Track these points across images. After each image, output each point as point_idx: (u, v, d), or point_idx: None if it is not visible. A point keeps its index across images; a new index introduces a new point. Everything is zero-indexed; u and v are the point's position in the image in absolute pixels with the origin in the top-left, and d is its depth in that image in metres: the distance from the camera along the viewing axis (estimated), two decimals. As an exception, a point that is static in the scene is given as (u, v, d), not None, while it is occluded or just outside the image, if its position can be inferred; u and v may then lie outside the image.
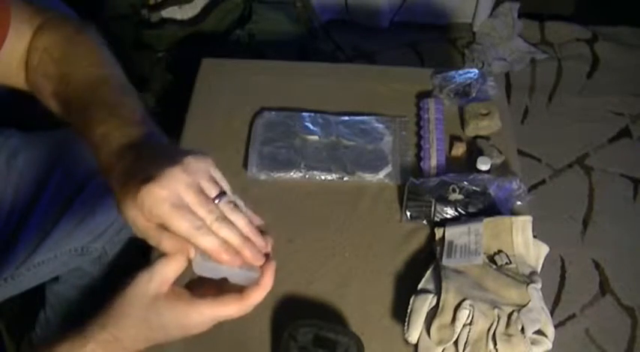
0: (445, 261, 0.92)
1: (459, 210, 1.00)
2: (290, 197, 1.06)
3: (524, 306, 0.84)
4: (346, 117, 1.16)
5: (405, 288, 0.93)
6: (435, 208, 1.00)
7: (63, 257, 1.04)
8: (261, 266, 0.62)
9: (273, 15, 1.85)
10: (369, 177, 1.08)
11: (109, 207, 1.05)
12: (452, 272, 0.89)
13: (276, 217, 1.00)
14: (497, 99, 1.19)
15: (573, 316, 1.60)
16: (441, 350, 0.84)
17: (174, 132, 1.05)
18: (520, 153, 1.57)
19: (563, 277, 1.67)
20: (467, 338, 0.82)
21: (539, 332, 0.85)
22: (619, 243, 1.74)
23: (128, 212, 0.59)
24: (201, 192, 0.59)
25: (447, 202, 1.01)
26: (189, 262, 0.61)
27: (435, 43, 2.23)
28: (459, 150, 1.11)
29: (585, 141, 1.96)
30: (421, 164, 1.09)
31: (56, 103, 0.73)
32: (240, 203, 0.63)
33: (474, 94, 1.18)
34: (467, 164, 1.09)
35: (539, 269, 0.93)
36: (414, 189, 1.03)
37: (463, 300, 0.84)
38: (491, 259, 0.92)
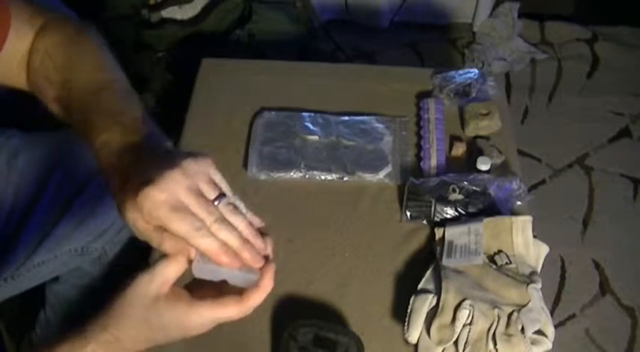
0: (445, 261, 0.92)
1: (459, 210, 1.00)
2: (290, 197, 1.06)
3: (524, 306, 0.84)
4: (346, 117, 1.16)
5: (405, 288, 0.93)
6: (435, 208, 1.00)
7: (63, 257, 1.04)
8: (261, 269, 0.62)
9: (273, 15, 1.85)
10: (369, 177, 1.08)
11: (109, 208, 1.04)
12: (452, 272, 0.89)
13: (276, 217, 1.00)
14: (497, 99, 1.19)
15: (573, 316, 1.60)
16: (441, 350, 0.84)
17: (174, 132, 1.05)
18: (520, 153, 1.57)
19: (563, 277, 1.67)
20: (467, 338, 0.82)
21: (539, 332, 0.85)
22: (619, 243, 1.74)
23: (128, 214, 0.59)
24: (200, 194, 0.59)
25: (447, 202, 1.01)
26: (190, 263, 0.61)
27: (435, 43, 2.23)
28: (459, 150, 1.11)
29: (585, 141, 1.96)
30: (421, 164, 1.09)
31: (58, 107, 0.74)
32: (240, 204, 0.63)
33: (474, 94, 1.18)
34: (467, 164, 1.09)
35: (539, 269, 0.93)
36: (414, 189, 1.03)
37: (463, 300, 0.84)
38: (491, 259, 0.92)
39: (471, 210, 1.00)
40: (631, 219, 1.79)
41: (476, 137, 1.13)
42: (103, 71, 0.75)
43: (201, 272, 0.61)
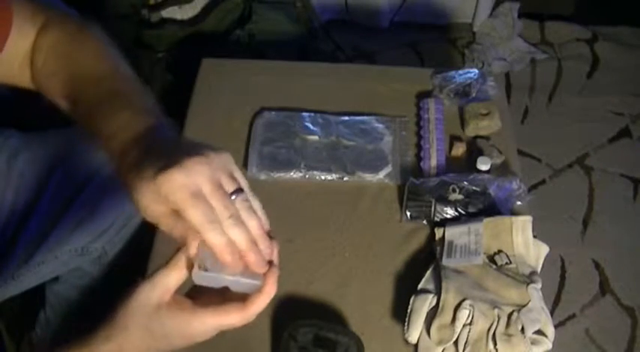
0: (445, 261, 0.92)
1: (459, 210, 1.00)
2: (290, 197, 1.06)
3: (524, 306, 0.84)
4: (346, 117, 1.16)
5: (405, 288, 0.93)
6: (435, 208, 1.00)
7: (63, 257, 1.04)
8: (264, 273, 0.61)
9: (273, 15, 1.85)
10: (369, 177, 1.08)
11: (109, 208, 1.05)
12: (452, 272, 0.89)
13: (276, 217, 0.99)
14: (497, 99, 1.19)
15: (573, 316, 1.60)
16: (441, 350, 0.84)
17: (174, 132, 1.05)
18: (520, 153, 1.57)
19: (563, 277, 1.67)
20: (467, 338, 0.82)
21: (539, 332, 0.85)
22: (619, 243, 1.74)
23: (142, 198, 0.58)
24: (220, 186, 0.58)
25: (447, 202, 1.01)
26: (190, 270, 0.61)
27: (435, 43, 2.23)
28: (459, 150, 1.11)
29: (585, 141, 1.96)
30: (421, 164, 1.09)
31: (65, 101, 0.74)
32: (256, 204, 0.62)
33: (474, 94, 1.18)
34: (467, 164, 1.09)
35: (539, 269, 0.93)
36: (414, 189, 1.03)
37: (463, 300, 0.84)
38: (491, 259, 0.92)
39: (471, 210, 1.00)
40: (631, 219, 1.79)
41: (476, 137, 1.13)
42: (108, 62, 0.75)
43: (202, 279, 0.60)
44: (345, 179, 1.08)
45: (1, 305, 1.09)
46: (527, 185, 1.22)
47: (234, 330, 0.62)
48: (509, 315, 0.83)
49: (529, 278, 0.89)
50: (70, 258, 1.06)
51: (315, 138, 1.13)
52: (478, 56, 2.14)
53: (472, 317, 0.83)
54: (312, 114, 1.16)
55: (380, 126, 1.15)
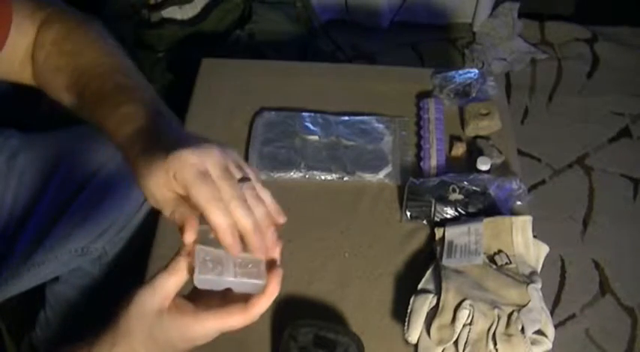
0: (445, 261, 0.92)
1: (459, 210, 1.00)
2: (290, 197, 1.06)
3: (524, 306, 0.84)
4: (346, 117, 1.16)
5: (405, 288, 0.93)
6: (435, 208, 1.00)
7: (63, 257, 1.04)
8: (268, 274, 0.61)
9: (273, 15, 1.85)
10: (369, 177, 1.08)
11: (110, 208, 1.05)
12: (452, 272, 0.89)
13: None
14: (497, 99, 1.19)
15: (573, 316, 1.60)
16: (441, 350, 0.84)
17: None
18: (520, 153, 1.57)
19: (563, 277, 1.67)
20: (467, 338, 0.82)
21: (539, 332, 0.85)
22: (619, 243, 1.74)
23: (151, 179, 0.59)
24: (227, 170, 0.59)
25: (447, 202, 1.01)
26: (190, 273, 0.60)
27: (435, 43, 2.23)
28: (459, 150, 1.11)
29: (585, 141, 1.96)
30: (421, 164, 1.09)
31: (69, 95, 0.74)
32: (266, 193, 0.62)
33: (474, 94, 1.18)
34: (467, 164, 1.09)
35: (539, 269, 0.93)
36: (414, 189, 1.03)
37: (463, 300, 0.84)
38: (491, 259, 0.92)
39: (471, 210, 1.00)
40: (631, 219, 1.79)
41: (476, 137, 1.13)
42: (112, 56, 0.76)
43: (204, 283, 0.59)
44: (345, 179, 1.08)
45: (1, 306, 1.08)
46: (527, 185, 1.22)
47: (234, 330, 0.61)
48: (509, 315, 0.83)
49: (529, 278, 0.89)
50: (70, 258, 1.06)
51: (315, 138, 1.13)
52: (478, 56, 2.14)
53: (472, 317, 0.83)
54: (312, 114, 1.16)
55: (380, 126, 1.15)
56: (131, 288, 0.60)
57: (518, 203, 1.04)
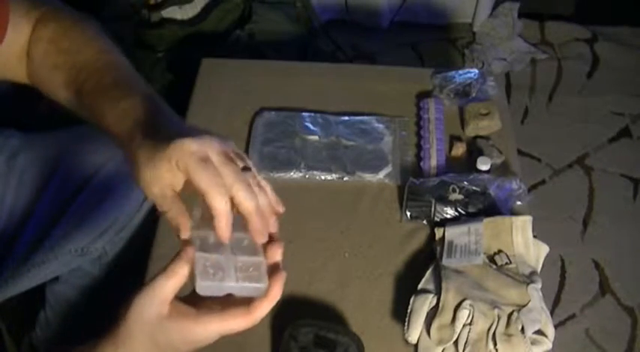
0: (445, 261, 0.92)
1: (459, 210, 1.00)
2: (290, 197, 1.06)
3: (524, 306, 0.84)
4: (346, 117, 1.16)
5: (405, 288, 0.93)
6: (435, 208, 1.00)
7: (63, 257, 1.04)
8: (271, 277, 0.61)
9: (273, 15, 1.85)
10: (369, 177, 1.08)
11: (110, 208, 1.05)
12: (452, 272, 0.89)
13: (276, 217, 1.00)
14: (497, 99, 1.19)
15: (573, 316, 1.60)
16: (441, 350, 0.84)
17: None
18: (520, 153, 1.57)
19: (563, 277, 1.67)
20: (467, 338, 0.82)
21: (539, 332, 0.85)
22: (619, 243, 1.74)
23: (152, 169, 0.59)
24: (229, 157, 0.60)
25: (447, 202, 1.01)
26: (187, 278, 0.60)
27: (435, 43, 2.23)
28: (459, 150, 1.11)
29: (585, 141, 1.96)
30: (421, 164, 1.09)
31: (67, 92, 0.74)
32: (267, 185, 0.63)
33: (474, 94, 1.18)
34: (467, 164, 1.09)
35: (539, 269, 0.93)
36: (414, 189, 1.03)
37: (463, 300, 0.84)
38: (491, 259, 0.92)
39: (471, 210, 1.00)
40: (631, 219, 1.79)
41: (476, 137, 1.13)
42: (109, 53, 0.76)
43: (206, 289, 0.59)
44: (345, 179, 1.08)
45: (1, 306, 1.08)
46: (527, 185, 1.22)
47: (234, 332, 0.61)
48: (509, 315, 0.83)
49: (529, 278, 0.89)
50: (70, 258, 1.06)
51: (315, 138, 1.13)
52: (478, 56, 2.14)
53: (472, 317, 0.83)
54: (312, 114, 1.16)
55: (380, 126, 1.15)
56: (131, 289, 0.60)
57: (518, 203, 1.04)
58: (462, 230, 0.95)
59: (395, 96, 1.21)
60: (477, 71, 1.21)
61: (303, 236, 1.01)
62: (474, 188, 1.01)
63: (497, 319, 0.83)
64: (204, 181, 0.58)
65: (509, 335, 0.82)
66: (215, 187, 0.58)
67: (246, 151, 1.11)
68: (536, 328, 0.84)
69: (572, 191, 1.85)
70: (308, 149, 1.11)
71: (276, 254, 0.63)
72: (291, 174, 1.08)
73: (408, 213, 1.02)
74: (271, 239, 0.63)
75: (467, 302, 0.83)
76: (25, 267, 1.02)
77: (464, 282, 0.87)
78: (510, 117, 1.21)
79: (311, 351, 0.82)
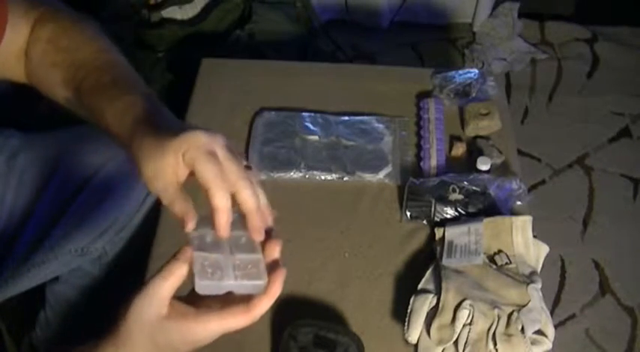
0: (445, 261, 0.92)
1: (459, 210, 1.00)
2: (290, 197, 1.06)
3: (524, 306, 0.84)
4: (346, 117, 1.16)
5: (405, 288, 0.93)
6: (435, 208, 1.00)
7: (63, 257, 1.04)
8: (271, 274, 0.61)
9: (273, 15, 1.85)
10: (369, 177, 1.08)
11: (110, 208, 1.05)
12: (452, 272, 0.89)
13: (276, 217, 1.00)
14: (497, 99, 1.19)
15: (573, 316, 1.60)
16: (441, 350, 0.84)
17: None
18: (520, 153, 1.57)
19: (563, 277, 1.67)
20: (467, 338, 0.82)
21: (539, 332, 0.85)
22: (619, 243, 1.74)
23: (159, 159, 0.59)
24: (234, 152, 0.61)
25: (447, 202, 1.01)
26: (185, 278, 0.60)
27: (435, 43, 2.23)
28: (459, 150, 1.11)
29: (585, 141, 1.96)
30: (421, 164, 1.09)
31: (65, 90, 0.74)
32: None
33: (474, 94, 1.18)
34: (467, 164, 1.09)
35: (539, 269, 0.93)
36: (414, 189, 1.03)
37: (463, 300, 0.84)
38: (491, 259, 0.92)
39: (471, 210, 1.00)
40: (631, 219, 1.79)
41: (476, 137, 1.13)
42: (107, 52, 0.76)
43: (205, 288, 0.59)
44: (345, 179, 1.08)
45: (1, 306, 1.08)
46: (527, 185, 1.22)
47: (234, 330, 0.61)
48: (509, 315, 0.83)
49: (529, 278, 0.89)
50: (70, 258, 1.06)
51: (315, 138, 1.13)
52: (478, 56, 2.14)
53: (472, 317, 0.83)
54: (312, 114, 1.16)
55: (380, 126, 1.15)
56: (131, 289, 0.60)
57: (518, 203, 1.04)
58: (462, 230, 0.95)
59: (395, 96, 1.21)
60: (476, 71, 1.21)
61: (303, 236, 1.01)
62: (474, 188, 1.01)
63: (497, 319, 0.83)
64: (208, 175, 0.58)
65: (509, 335, 0.82)
66: (218, 182, 0.58)
67: (246, 151, 1.11)
68: (536, 328, 0.84)
69: (572, 191, 1.85)
70: (308, 149, 1.11)
71: (274, 251, 0.63)
72: (291, 174, 1.08)
73: (408, 213, 1.02)
74: (268, 236, 0.63)
75: (467, 302, 0.83)
76: (25, 267, 1.02)
77: (464, 282, 0.87)
78: (510, 117, 1.21)
79: (311, 351, 0.82)
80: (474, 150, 1.11)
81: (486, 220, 0.95)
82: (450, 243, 0.94)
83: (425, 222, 1.02)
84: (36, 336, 1.27)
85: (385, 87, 1.23)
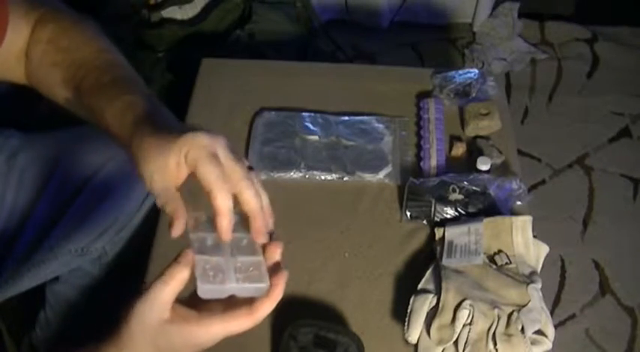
0: (445, 261, 0.92)
1: (459, 210, 1.00)
2: (290, 197, 1.06)
3: (524, 306, 0.84)
4: (346, 117, 1.16)
5: (405, 288, 0.93)
6: (435, 208, 1.00)
7: (63, 257, 1.04)
8: (273, 277, 0.61)
9: (273, 15, 1.85)
10: (369, 177, 1.08)
11: (110, 208, 1.05)
12: (452, 272, 0.89)
13: (276, 217, 0.99)
14: (497, 99, 1.19)
15: (573, 316, 1.60)
16: (441, 350, 0.84)
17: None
18: (520, 153, 1.57)
19: (563, 277, 1.67)
20: (467, 338, 0.82)
21: (539, 332, 0.85)
22: (619, 243, 1.74)
23: (158, 162, 0.60)
24: (237, 153, 0.61)
25: (447, 202, 1.01)
26: (186, 281, 0.60)
27: (435, 43, 2.23)
28: (459, 150, 1.11)
29: (585, 141, 1.96)
30: (421, 164, 1.09)
31: (65, 90, 0.74)
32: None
33: (474, 94, 1.18)
34: (467, 164, 1.09)
35: (539, 269, 0.93)
36: (414, 189, 1.03)
37: (463, 300, 0.84)
38: (491, 259, 0.92)
39: (471, 210, 1.00)
40: (631, 219, 1.79)
41: (476, 137, 1.13)
42: (107, 52, 0.76)
43: (208, 293, 0.59)
44: (345, 179, 1.08)
45: (1, 306, 1.09)
46: (527, 185, 1.22)
47: (236, 333, 0.61)
48: (509, 315, 0.83)
49: (529, 278, 0.89)
50: (70, 258, 1.06)
51: (315, 138, 1.13)
52: (478, 56, 2.14)
53: (472, 317, 0.83)
54: (312, 114, 1.16)
55: (380, 126, 1.15)
56: (131, 289, 0.60)
57: (518, 203, 1.04)
58: (462, 230, 0.95)
59: (395, 96, 1.21)
60: (477, 71, 1.21)
61: (303, 236, 1.01)
62: (474, 188, 1.01)
63: (497, 319, 0.83)
64: (210, 176, 0.58)
65: (509, 335, 0.82)
66: (220, 184, 0.58)
67: (246, 151, 1.11)
68: (536, 328, 0.84)
69: (572, 191, 1.85)
70: (308, 149, 1.11)
71: (276, 253, 0.63)
72: (291, 174, 1.08)
73: (408, 213, 1.02)
74: (269, 238, 0.63)
75: (467, 302, 0.83)
76: (25, 267, 1.02)
77: (464, 282, 0.87)
78: (510, 117, 1.21)
79: (311, 351, 0.82)
80: (474, 150, 1.11)
81: (486, 220, 0.95)
82: (450, 243, 0.94)
83: (425, 222, 1.02)
84: (36, 336, 1.27)
85: (385, 87, 1.23)
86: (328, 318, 0.90)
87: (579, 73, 2.15)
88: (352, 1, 2.16)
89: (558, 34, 2.26)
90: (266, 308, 0.60)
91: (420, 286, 0.91)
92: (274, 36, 1.82)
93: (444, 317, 0.84)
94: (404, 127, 1.15)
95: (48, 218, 1.03)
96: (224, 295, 0.60)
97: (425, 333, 0.85)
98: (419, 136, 1.14)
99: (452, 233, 0.95)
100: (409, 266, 0.98)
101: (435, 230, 0.98)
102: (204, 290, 0.59)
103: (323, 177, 1.08)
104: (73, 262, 1.08)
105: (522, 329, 0.82)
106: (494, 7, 2.22)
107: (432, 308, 0.86)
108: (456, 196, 1.01)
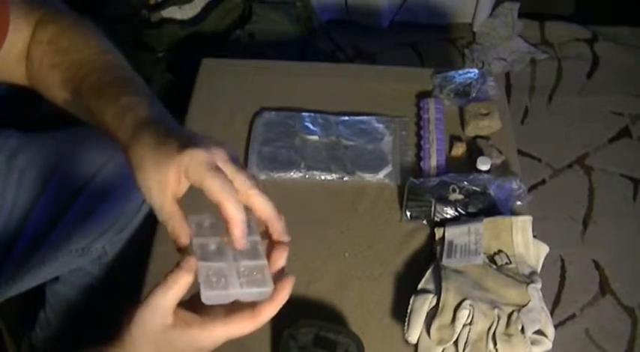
0: (445, 261, 0.92)
1: (459, 210, 1.00)
2: (290, 197, 1.06)
3: (524, 306, 0.84)
4: (346, 117, 1.16)
5: (405, 288, 0.93)
6: (435, 208, 1.00)
7: (63, 257, 1.04)
8: (278, 282, 0.61)
9: (273, 15, 1.85)
10: (369, 177, 1.08)
11: (110, 208, 1.05)
12: (452, 272, 0.89)
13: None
14: (497, 99, 1.19)
15: (573, 316, 1.60)
16: (441, 350, 0.84)
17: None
18: (520, 153, 1.57)
19: (563, 277, 1.67)
20: (467, 338, 0.82)
21: (539, 332, 0.85)
22: (619, 243, 1.74)
23: (156, 177, 0.59)
24: (240, 163, 0.61)
25: (447, 202, 1.01)
26: (189, 287, 0.60)
27: (435, 43, 2.23)
28: (459, 150, 1.11)
29: (585, 141, 1.96)
30: (421, 164, 1.09)
31: (65, 91, 0.74)
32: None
33: (474, 94, 1.18)
34: (467, 164, 1.09)
35: (539, 269, 0.93)
36: (414, 189, 1.03)
37: (463, 300, 0.84)
38: (491, 259, 0.92)
39: (471, 210, 1.00)
40: (631, 219, 1.79)
41: (476, 137, 1.13)
42: (107, 53, 0.76)
43: (212, 299, 0.59)
44: (345, 179, 1.08)
45: (1, 306, 1.09)
46: (527, 185, 1.22)
47: (238, 336, 0.61)
48: (509, 315, 0.83)
49: (529, 278, 0.89)
50: (70, 259, 1.06)
51: (315, 138, 1.13)
52: (478, 56, 2.14)
53: (472, 317, 0.83)
54: (312, 114, 1.16)
55: (380, 126, 1.15)
56: (130, 291, 0.60)
57: (518, 203, 1.04)
58: (462, 230, 0.95)
59: (395, 96, 1.21)
60: (476, 71, 1.21)
61: (303, 236, 1.01)
62: (474, 188, 1.01)
63: (497, 319, 0.83)
64: (216, 189, 0.57)
65: (509, 335, 0.82)
66: (227, 194, 0.58)
67: (246, 151, 1.11)
68: (536, 328, 0.84)
69: (572, 191, 1.85)
70: (308, 149, 1.11)
71: (281, 258, 0.63)
72: (291, 174, 1.08)
73: (408, 213, 1.02)
74: (276, 242, 0.63)
75: (467, 302, 0.83)
76: (25, 267, 1.02)
77: (464, 282, 0.87)
78: (510, 117, 1.21)
79: (311, 351, 0.82)
80: (474, 150, 1.11)
81: (486, 220, 0.95)
82: (450, 243, 0.94)
83: (425, 222, 1.02)
84: (36, 336, 1.27)
85: (385, 87, 1.23)
86: (328, 318, 0.90)
87: (579, 73, 2.15)
88: (352, 1, 2.16)
89: (558, 34, 2.26)
90: (269, 311, 0.60)
91: (420, 286, 0.91)
92: (274, 36, 1.82)
93: (444, 317, 0.84)
94: (404, 127, 1.15)
95: (48, 218, 1.03)
96: (228, 300, 0.59)
97: (425, 333, 0.85)
98: (419, 136, 1.14)
99: (452, 233, 0.95)
100: (409, 267, 0.98)
101: (435, 230, 0.98)
102: (208, 297, 0.58)
103: (323, 177, 1.08)
104: (73, 262, 1.08)
105: (522, 329, 0.82)
106: (494, 7, 2.22)
107: (432, 308, 0.86)
108: (456, 196, 1.01)
